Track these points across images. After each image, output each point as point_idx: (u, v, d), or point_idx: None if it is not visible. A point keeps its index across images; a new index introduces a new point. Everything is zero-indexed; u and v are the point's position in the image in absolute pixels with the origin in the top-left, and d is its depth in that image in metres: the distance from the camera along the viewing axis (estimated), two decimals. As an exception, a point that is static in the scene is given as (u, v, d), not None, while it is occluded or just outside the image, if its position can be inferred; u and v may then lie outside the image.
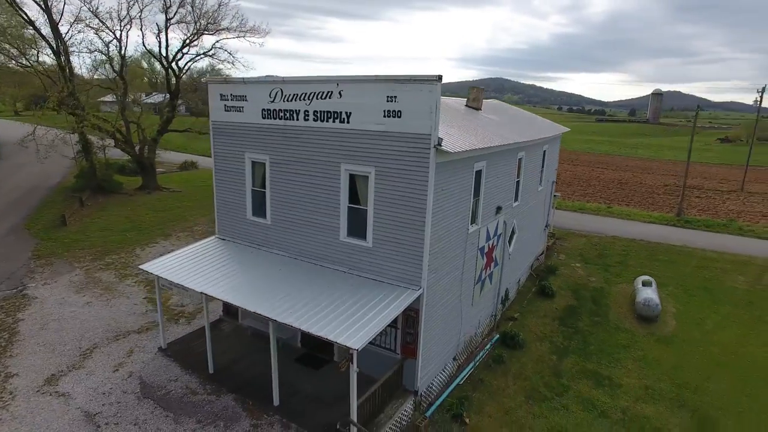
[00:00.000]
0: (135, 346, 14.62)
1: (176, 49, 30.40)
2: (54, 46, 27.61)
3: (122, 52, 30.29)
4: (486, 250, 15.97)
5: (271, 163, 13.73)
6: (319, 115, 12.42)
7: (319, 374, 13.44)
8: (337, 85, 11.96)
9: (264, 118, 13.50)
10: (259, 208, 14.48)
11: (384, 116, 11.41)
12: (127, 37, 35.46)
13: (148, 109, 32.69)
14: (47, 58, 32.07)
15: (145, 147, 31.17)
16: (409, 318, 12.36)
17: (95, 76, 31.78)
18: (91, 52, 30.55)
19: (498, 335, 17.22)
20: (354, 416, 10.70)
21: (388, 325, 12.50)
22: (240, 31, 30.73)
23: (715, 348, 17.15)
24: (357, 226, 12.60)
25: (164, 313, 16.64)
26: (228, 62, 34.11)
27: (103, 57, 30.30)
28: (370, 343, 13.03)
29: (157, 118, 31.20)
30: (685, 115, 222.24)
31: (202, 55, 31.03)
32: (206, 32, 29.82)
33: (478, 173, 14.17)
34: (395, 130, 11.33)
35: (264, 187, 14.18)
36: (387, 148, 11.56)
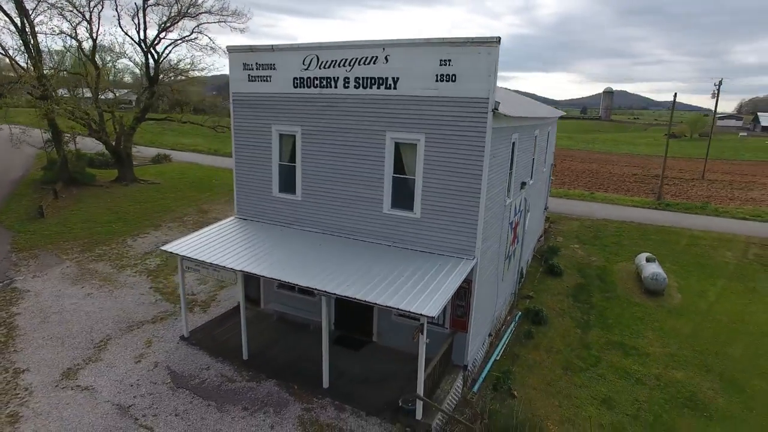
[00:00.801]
0: (152, 336, 13.52)
1: (155, 34, 28.70)
2: (18, 23, 25.34)
3: (93, 35, 28.27)
4: (513, 225, 15.91)
5: (304, 135, 13.03)
6: (361, 81, 11.87)
7: (360, 355, 12.89)
8: (383, 50, 11.47)
9: (296, 87, 12.79)
10: (288, 184, 13.73)
11: (436, 81, 11.02)
12: (99, 19, 33.06)
13: (121, 104, 30.58)
14: (9, 39, 29.41)
15: (121, 137, 29.20)
16: (461, 289, 12.03)
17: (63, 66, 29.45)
18: (56, 34, 28.29)
19: (520, 312, 17.23)
20: (421, 390, 10.27)
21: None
22: (222, 15, 29.39)
23: (722, 317, 17.88)
24: (402, 197, 12.15)
25: (176, 302, 15.58)
26: (209, 48, 32.30)
27: (72, 41, 28.12)
28: (413, 318, 12.75)
29: (131, 113, 29.25)
30: (631, 113, 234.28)
31: (180, 41, 29.41)
32: (187, 15, 28.29)
33: (513, 145, 14.06)
34: (449, 95, 10.97)
35: (293, 161, 13.46)
36: (439, 113, 11.19)
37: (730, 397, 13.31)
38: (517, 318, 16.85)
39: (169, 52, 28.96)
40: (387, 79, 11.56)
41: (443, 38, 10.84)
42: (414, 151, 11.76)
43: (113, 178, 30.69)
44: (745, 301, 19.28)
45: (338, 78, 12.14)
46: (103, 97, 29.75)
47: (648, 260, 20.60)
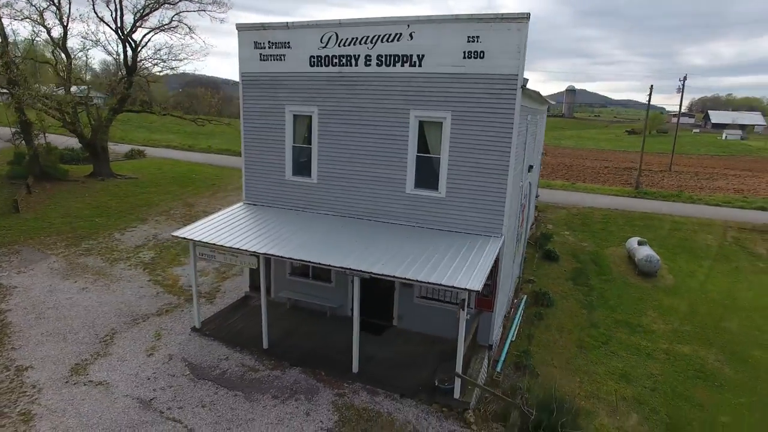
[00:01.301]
0: (160, 329, 12.83)
1: (132, 22, 27.32)
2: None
3: (63, 20, 26.68)
4: (521, 207, 16.04)
5: (320, 115, 12.67)
6: (384, 59, 11.63)
7: (383, 340, 12.65)
8: (407, 27, 11.27)
9: (312, 66, 12.41)
10: (302, 167, 13.32)
11: (464, 57, 10.93)
12: (69, 3, 31.16)
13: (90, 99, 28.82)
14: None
15: (98, 130, 27.64)
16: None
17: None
18: (20, 19, 26.53)
19: (525, 295, 17.39)
20: (459, 368, 10.15)
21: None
22: (201, 3, 28.35)
23: (713, 295, 18.63)
24: (426, 176, 12.00)
25: (179, 294, 14.88)
26: (190, 36, 30.86)
27: (41, 28, 26.43)
28: (437, 299, 12.65)
29: (108, 102, 27.73)
30: (592, 111, 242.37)
31: (159, 29, 28.14)
32: (167, 2, 27.11)
33: (527, 126, 14.14)
34: (477, 72, 10.90)
35: (308, 143, 13.07)
36: (466, 91, 11.10)
37: (735, 367, 13.84)
38: (524, 300, 17.00)
39: (148, 41, 27.69)
40: (412, 56, 11.38)
41: (471, 15, 10.76)
42: (439, 129, 11.62)
43: (87, 173, 29.08)
44: (732, 280, 20.17)
45: (359, 56, 11.86)
46: (75, 89, 28.13)
47: (640, 243, 21.24)
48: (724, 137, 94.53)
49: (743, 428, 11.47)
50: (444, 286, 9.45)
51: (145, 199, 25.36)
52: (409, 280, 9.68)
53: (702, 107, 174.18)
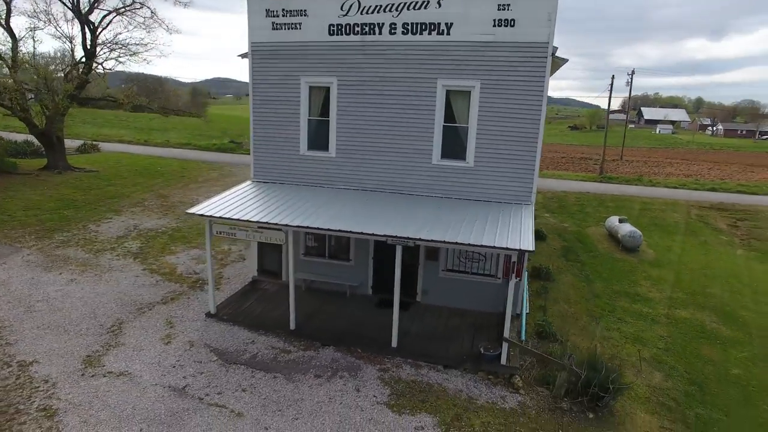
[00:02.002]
0: (170, 317, 11.88)
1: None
2: None
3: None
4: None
5: (340, 86, 12.21)
6: (410, 27, 11.38)
7: (411, 315, 12.38)
8: (435, -7, 11.08)
9: (332, 34, 11.93)
10: (318, 141, 12.79)
11: (494, 26, 10.89)
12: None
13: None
14: None
15: (53, 120, 25.25)
16: (515, 238, 12.04)
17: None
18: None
19: (526, 270, 17.71)
20: (507, 333, 10.10)
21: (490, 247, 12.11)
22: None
23: (692, 265, 19.82)
24: (453, 146, 11.86)
25: (180, 281, 13.92)
26: (153, 20, 28.49)
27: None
28: (463, 272, 12.57)
29: (65, 87, 25.38)
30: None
31: (123, 8, 26.10)
32: (128, -20, 25.20)
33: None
34: (507, 40, 10.90)
35: (325, 115, 12.57)
36: (496, 59, 11.07)
37: (730, 326, 14.76)
38: (526, 275, 17.30)
39: (108, 23, 25.61)
40: (440, 24, 11.20)
41: (503, -19, 10.73)
42: (467, 98, 11.53)
43: (40, 166, 26.60)
44: (703, 252, 21.57)
45: (383, 24, 11.53)
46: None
47: (621, 221, 22.24)
48: (657, 131, 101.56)
49: (752, 378, 12.23)
50: (497, 248, 9.36)
51: (112, 191, 23.54)
52: (460, 244, 9.50)
53: (633, 105, 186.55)
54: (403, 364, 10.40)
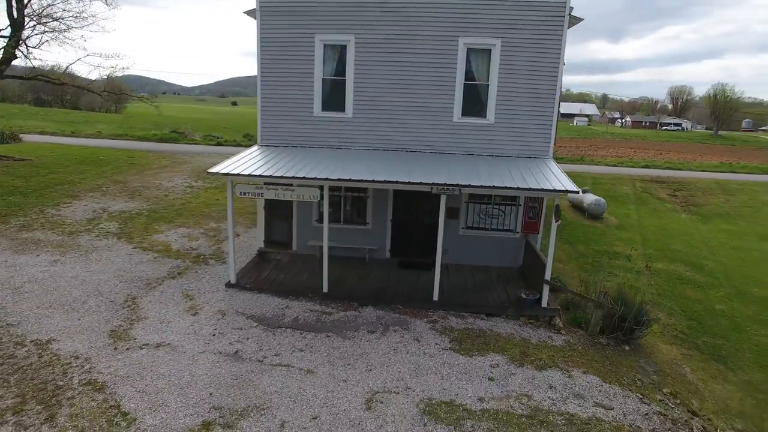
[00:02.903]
0: (186, 290, 10.94)
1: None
2: None
3: None
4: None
5: (358, 45, 11.90)
6: (432, -18, 11.36)
7: (433, 274, 12.37)
8: (458, -52, 11.17)
9: (349, -11, 11.60)
10: (334, 101, 12.38)
11: (515, -18, 11.19)
12: None
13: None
14: None
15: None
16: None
17: None
18: None
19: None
20: (548, 275, 10.46)
21: (509, 204, 12.50)
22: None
23: (652, 228, 21.72)
24: (473, 104, 12.03)
25: (181, 257, 12.90)
26: None
27: None
28: (484, 228, 12.82)
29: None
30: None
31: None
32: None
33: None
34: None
35: (342, 75, 12.19)
36: (516, 17, 11.39)
37: (700, 273, 16.40)
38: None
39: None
40: (462, -20, 11.29)
41: (523, -62, 11.05)
42: (487, 56, 11.74)
43: (-39, 154, 23.17)
44: (656, 217, 23.71)
45: (404, -21, 11.41)
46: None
47: (584, 191, 23.81)
48: (575, 123, 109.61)
49: (734, 310, 13.69)
50: (545, 190, 9.64)
51: (58, 178, 21.08)
52: (509, 188, 9.69)
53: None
54: (448, 316, 10.41)
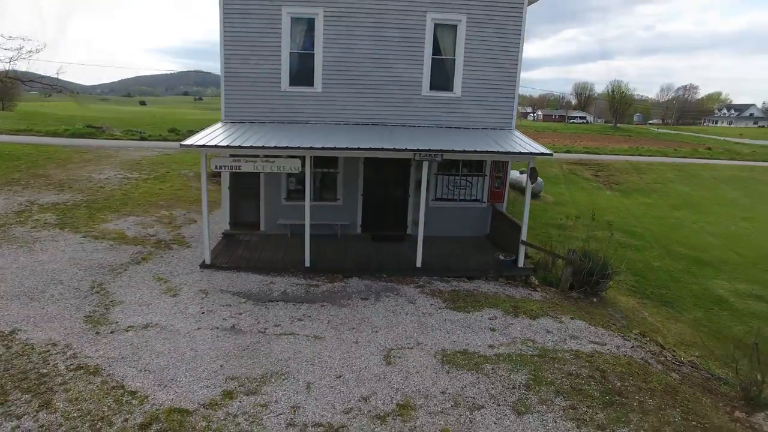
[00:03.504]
0: (157, 274, 10.17)
1: None
2: None
3: None
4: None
5: (327, 18, 11.72)
6: (400, -44, 11.50)
7: (409, 246, 12.57)
8: (423, -77, 11.40)
9: (316, -41, 11.41)
10: (302, 75, 12.09)
11: (478, -41, 11.66)
12: None
13: None
14: None
15: None
16: (498, 161, 13.10)
17: None
18: None
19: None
20: (524, 235, 11.05)
21: (476, 174, 13.06)
22: None
23: (584, 203, 23.61)
24: (441, 77, 12.35)
25: (140, 243, 12.01)
26: None
27: None
28: (453, 199, 13.25)
29: None
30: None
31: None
32: None
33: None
34: (490, -26, 11.76)
35: (310, 48, 11.95)
36: (480, -8, 11.86)
37: (634, 239, 18.21)
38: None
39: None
40: (428, -46, 11.55)
41: None
42: (453, 31, 12.12)
43: None
44: (586, 194, 25.82)
45: (372, -49, 11.43)
46: None
47: (521, 172, 25.30)
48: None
49: (668, 266, 15.38)
50: (523, 153, 10.19)
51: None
52: (490, 153, 10.13)
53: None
54: (432, 281, 10.65)
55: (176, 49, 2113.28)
